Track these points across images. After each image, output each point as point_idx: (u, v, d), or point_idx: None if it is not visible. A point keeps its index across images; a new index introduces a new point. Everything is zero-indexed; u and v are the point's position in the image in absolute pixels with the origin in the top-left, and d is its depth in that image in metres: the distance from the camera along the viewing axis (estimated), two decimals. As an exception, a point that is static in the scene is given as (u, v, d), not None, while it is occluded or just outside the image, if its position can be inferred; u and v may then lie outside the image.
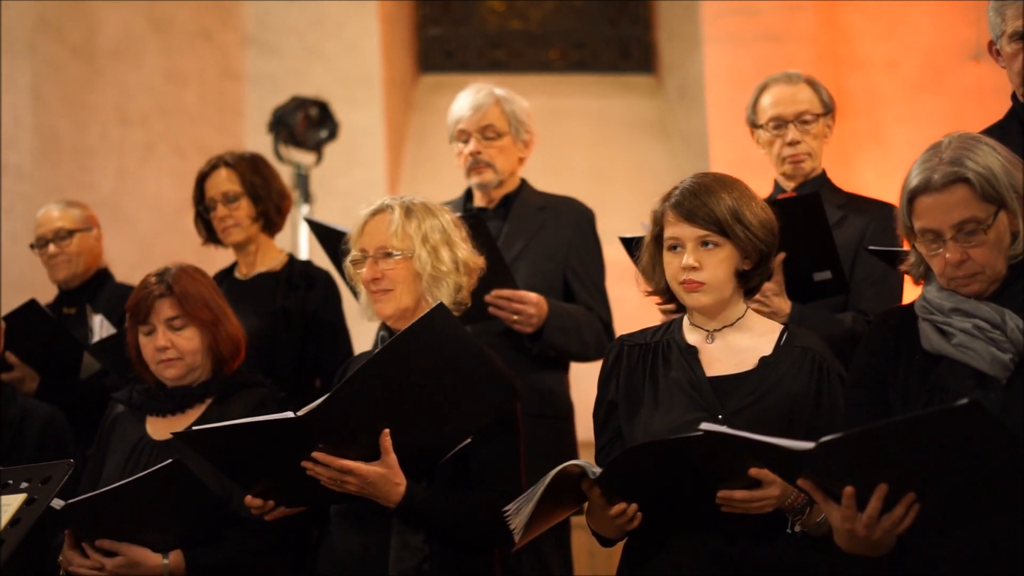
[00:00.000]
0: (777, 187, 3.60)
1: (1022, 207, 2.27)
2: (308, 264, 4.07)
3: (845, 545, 2.16)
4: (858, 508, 2.08)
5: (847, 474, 2.06)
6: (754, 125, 3.60)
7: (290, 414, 2.55)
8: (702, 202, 2.52)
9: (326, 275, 4.01)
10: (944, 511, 2.08)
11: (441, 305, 2.65)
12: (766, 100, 3.56)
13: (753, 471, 2.32)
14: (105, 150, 7.14)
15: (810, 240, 3.20)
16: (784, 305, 3.16)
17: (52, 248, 4.36)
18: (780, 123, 3.52)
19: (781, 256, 3.15)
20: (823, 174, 3.58)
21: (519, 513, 2.45)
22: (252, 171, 3.92)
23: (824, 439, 2.01)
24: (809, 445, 2.03)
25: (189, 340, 3.13)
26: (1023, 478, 1.98)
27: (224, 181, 3.92)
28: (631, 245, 3.01)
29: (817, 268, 3.26)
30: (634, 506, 2.40)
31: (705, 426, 2.21)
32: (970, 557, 2.19)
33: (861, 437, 2.02)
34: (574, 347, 3.73)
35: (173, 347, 3.12)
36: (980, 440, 1.95)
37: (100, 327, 3.94)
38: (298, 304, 3.88)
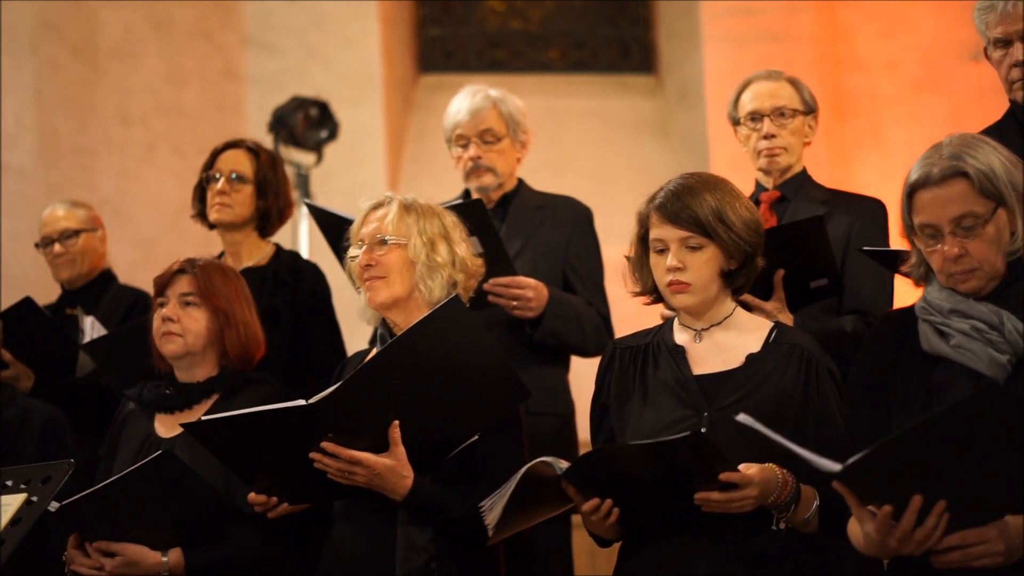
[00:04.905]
0: (759, 187, 3.56)
1: (1021, 206, 2.28)
2: (295, 256, 3.97)
3: (874, 553, 2.16)
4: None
5: (880, 488, 2.06)
6: (735, 122, 3.58)
7: (301, 402, 2.55)
8: (685, 204, 2.53)
9: (314, 268, 3.94)
10: (971, 512, 2.07)
11: (457, 297, 2.66)
12: (746, 96, 3.54)
13: (724, 475, 2.32)
14: (106, 150, 7.15)
15: (811, 256, 3.23)
16: (788, 321, 3.16)
17: (57, 248, 4.34)
18: (757, 117, 3.50)
19: (781, 273, 3.17)
20: (804, 172, 3.55)
21: (492, 509, 2.46)
22: (270, 167, 3.86)
23: (850, 461, 2.01)
24: (836, 467, 2.03)
25: (196, 321, 3.13)
26: None
27: (239, 161, 3.83)
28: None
29: (815, 277, 3.29)
30: (608, 502, 2.40)
31: (742, 418, 2.20)
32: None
33: (884, 450, 2.01)
34: (575, 336, 3.71)
35: (178, 321, 3.12)
36: (1003, 424, 1.96)
37: (91, 329, 3.92)
38: (287, 302, 3.80)
